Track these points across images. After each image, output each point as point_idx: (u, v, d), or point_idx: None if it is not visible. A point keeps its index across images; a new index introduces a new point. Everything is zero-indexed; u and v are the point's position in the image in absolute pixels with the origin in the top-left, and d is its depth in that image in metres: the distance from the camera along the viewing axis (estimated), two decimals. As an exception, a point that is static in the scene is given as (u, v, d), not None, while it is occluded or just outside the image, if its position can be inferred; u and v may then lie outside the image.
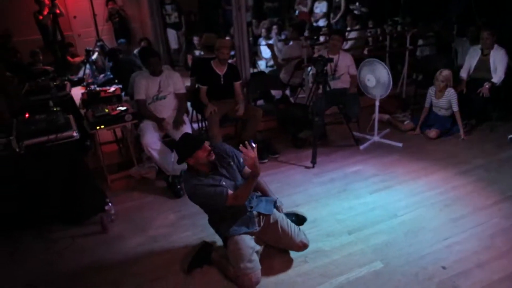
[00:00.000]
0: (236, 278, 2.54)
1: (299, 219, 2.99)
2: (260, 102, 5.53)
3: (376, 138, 4.70)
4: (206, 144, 2.58)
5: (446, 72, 4.51)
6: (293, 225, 2.77)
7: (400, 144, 4.51)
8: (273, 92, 5.79)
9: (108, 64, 7.17)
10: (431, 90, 4.69)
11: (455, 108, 4.53)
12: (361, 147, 4.55)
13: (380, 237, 2.97)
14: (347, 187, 3.72)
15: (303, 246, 2.72)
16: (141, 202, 3.68)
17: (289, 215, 2.96)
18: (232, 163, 2.72)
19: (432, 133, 4.65)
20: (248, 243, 2.61)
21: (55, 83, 4.57)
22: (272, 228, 2.73)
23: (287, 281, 2.61)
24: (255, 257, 2.59)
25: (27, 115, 3.45)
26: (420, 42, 6.58)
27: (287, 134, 4.84)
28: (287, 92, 6.01)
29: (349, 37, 7.15)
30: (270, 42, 7.61)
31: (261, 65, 7.75)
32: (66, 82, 4.92)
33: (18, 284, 2.76)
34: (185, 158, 2.58)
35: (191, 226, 3.25)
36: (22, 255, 3.05)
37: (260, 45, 8.13)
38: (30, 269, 2.90)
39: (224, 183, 2.60)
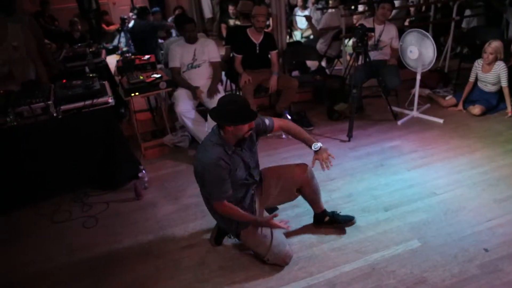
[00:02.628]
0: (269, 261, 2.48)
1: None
2: (295, 73, 5.40)
3: (415, 113, 4.51)
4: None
5: (496, 43, 4.21)
6: None
7: (441, 120, 4.31)
8: (309, 63, 5.63)
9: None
10: (478, 63, 4.42)
11: (504, 83, 4.25)
12: (399, 122, 4.37)
13: (418, 215, 2.86)
14: (384, 162, 3.60)
15: (303, 166, 2.59)
16: (174, 171, 3.69)
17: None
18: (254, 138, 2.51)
19: (476, 109, 4.41)
20: (264, 230, 2.48)
21: (91, 50, 4.60)
22: (270, 175, 2.61)
23: (320, 255, 2.55)
24: (277, 236, 2.48)
25: (64, 81, 3.48)
26: (468, 12, 6.18)
27: (323, 106, 4.72)
28: (323, 63, 5.83)
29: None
30: (306, 12, 7.37)
31: (297, 35, 7.55)
32: (101, 49, 4.95)
33: (56, 247, 2.84)
34: (229, 124, 2.23)
35: (224, 196, 3.24)
36: (61, 218, 3.14)
37: (295, 15, 7.90)
38: (67, 231, 2.98)
39: (239, 171, 2.38)
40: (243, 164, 2.41)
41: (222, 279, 2.43)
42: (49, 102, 3.06)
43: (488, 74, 4.32)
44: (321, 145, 2.51)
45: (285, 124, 2.62)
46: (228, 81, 4.86)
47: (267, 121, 2.52)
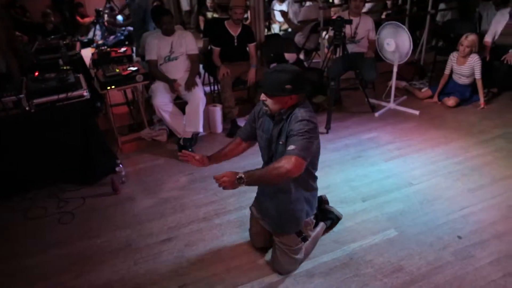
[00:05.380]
0: None
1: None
2: (273, 65, 5.38)
3: (392, 105, 4.57)
4: None
5: (472, 37, 4.30)
6: None
7: (417, 112, 4.39)
8: (287, 56, 5.62)
9: (119, 21, 7.00)
10: (453, 56, 4.50)
11: (478, 75, 4.35)
12: (377, 114, 4.43)
13: (395, 205, 2.92)
14: (362, 154, 3.64)
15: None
16: (152, 164, 3.65)
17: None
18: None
19: (451, 101, 4.51)
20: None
21: (64, 42, 4.48)
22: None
23: (299, 246, 2.57)
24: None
25: (36, 74, 3.39)
26: (442, 6, 6.29)
27: (301, 99, 4.72)
28: (301, 56, 5.84)
29: (367, -1, 6.87)
30: (284, 6, 7.36)
31: (275, 28, 7.54)
32: (76, 42, 4.83)
33: (31, 242, 2.77)
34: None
35: (202, 190, 3.22)
36: (36, 214, 3.06)
37: (273, 9, 7.88)
38: (43, 227, 2.91)
39: (259, 135, 2.29)
40: (262, 132, 2.27)
41: (201, 272, 2.42)
42: (21, 96, 2.98)
43: (462, 66, 4.42)
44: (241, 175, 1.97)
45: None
46: (206, 74, 4.82)
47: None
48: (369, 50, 4.61)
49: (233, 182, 1.89)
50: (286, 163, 1.91)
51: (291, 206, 2.27)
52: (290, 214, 2.28)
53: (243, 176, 1.90)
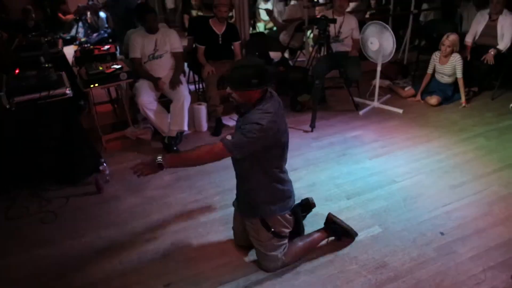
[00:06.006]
0: None
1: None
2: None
3: (376, 103, 4.62)
4: None
5: (453, 37, 4.38)
6: None
7: (401, 111, 4.45)
8: (272, 54, 5.64)
9: (102, 19, 6.89)
10: (435, 56, 4.58)
11: (459, 74, 4.43)
12: (361, 112, 4.47)
13: (379, 203, 2.95)
14: (346, 152, 3.67)
15: None
16: (137, 163, 3.61)
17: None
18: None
19: (433, 100, 4.58)
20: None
21: (46, 39, 4.41)
22: None
23: (284, 244, 2.58)
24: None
25: (17, 71, 3.33)
26: (425, 6, 6.39)
27: (286, 97, 4.73)
28: (286, 54, 5.86)
29: (351, -1, 6.92)
30: (269, 5, 7.37)
31: (260, 27, 7.54)
32: (58, 39, 4.75)
33: (13, 242, 2.72)
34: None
35: (187, 188, 3.21)
36: (17, 214, 3.01)
37: (258, 7, 7.88)
38: (24, 227, 2.86)
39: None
40: None
41: (187, 271, 2.41)
42: (1, 94, 2.91)
43: (444, 66, 4.49)
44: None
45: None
46: (191, 72, 4.80)
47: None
48: (353, 49, 4.65)
49: (152, 166, 2.03)
50: (212, 147, 2.03)
51: (251, 193, 2.28)
52: (251, 198, 2.29)
53: (160, 158, 2.01)
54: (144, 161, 2.01)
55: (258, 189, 2.26)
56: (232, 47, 4.34)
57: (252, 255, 2.49)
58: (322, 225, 2.65)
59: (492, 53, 4.48)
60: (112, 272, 2.43)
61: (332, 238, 2.58)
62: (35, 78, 3.17)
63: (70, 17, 7.98)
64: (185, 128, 3.80)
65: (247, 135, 2.01)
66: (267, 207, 2.28)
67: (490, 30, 4.67)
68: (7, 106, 2.92)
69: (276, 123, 2.09)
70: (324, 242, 2.57)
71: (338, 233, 2.56)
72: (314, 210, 2.77)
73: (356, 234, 2.58)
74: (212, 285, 2.30)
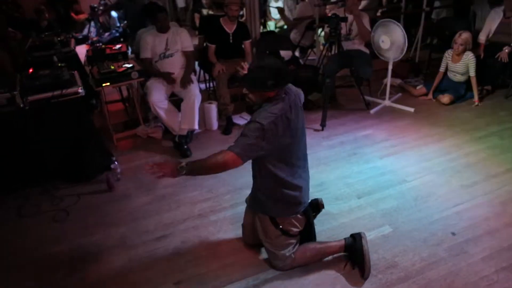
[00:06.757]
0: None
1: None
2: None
3: (387, 102, 4.59)
4: None
5: (465, 35, 4.32)
6: None
7: (412, 109, 4.41)
8: (282, 53, 5.63)
9: (114, 18, 6.94)
10: (448, 54, 4.53)
11: (472, 73, 4.37)
12: (372, 111, 4.45)
13: (389, 202, 2.93)
14: (357, 151, 3.65)
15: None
16: (148, 162, 3.64)
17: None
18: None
19: (445, 98, 4.53)
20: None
21: (59, 39, 4.46)
22: None
23: (294, 242, 2.58)
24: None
25: (31, 70, 3.37)
26: (437, 3, 6.31)
27: (296, 96, 4.73)
28: (297, 53, 5.84)
29: (362, -3, 6.87)
30: (279, 3, 7.36)
31: (270, 25, 7.53)
32: (70, 39, 4.81)
33: (25, 240, 2.77)
34: None
35: (198, 186, 3.23)
36: (30, 212, 3.05)
37: (269, 6, 7.87)
38: (37, 225, 2.90)
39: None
40: None
41: (197, 269, 2.42)
42: (15, 93, 2.96)
43: (457, 64, 4.44)
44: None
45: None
46: (202, 71, 4.81)
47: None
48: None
49: (174, 170, 2.02)
50: (223, 156, 2.00)
51: (261, 195, 2.29)
52: (259, 195, 2.30)
53: (184, 165, 2.01)
54: (166, 162, 2.00)
55: (267, 194, 2.26)
56: (243, 46, 4.34)
57: (261, 254, 2.49)
58: (331, 224, 2.65)
59: (506, 50, 4.41)
60: (122, 270, 2.45)
61: (347, 264, 2.41)
62: (48, 77, 3.21)
63: (82, 16, 8.06)
64: (196, 126, 3.82)
65: (246, 136, 2.01)
66: (275, 209, 2.28)
67: (505, 28, 4.60)
68: (21, 105, 2.97)
69: (277, 126, 2.02)
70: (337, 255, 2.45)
71: (355, 254, 2.35)
72: (324, 209, 2.72)
73: (367, 276, 2.32)
74: (222, 284, 2.31)
